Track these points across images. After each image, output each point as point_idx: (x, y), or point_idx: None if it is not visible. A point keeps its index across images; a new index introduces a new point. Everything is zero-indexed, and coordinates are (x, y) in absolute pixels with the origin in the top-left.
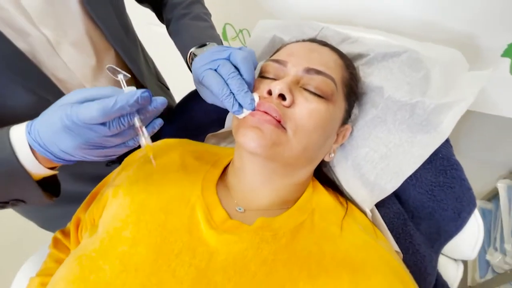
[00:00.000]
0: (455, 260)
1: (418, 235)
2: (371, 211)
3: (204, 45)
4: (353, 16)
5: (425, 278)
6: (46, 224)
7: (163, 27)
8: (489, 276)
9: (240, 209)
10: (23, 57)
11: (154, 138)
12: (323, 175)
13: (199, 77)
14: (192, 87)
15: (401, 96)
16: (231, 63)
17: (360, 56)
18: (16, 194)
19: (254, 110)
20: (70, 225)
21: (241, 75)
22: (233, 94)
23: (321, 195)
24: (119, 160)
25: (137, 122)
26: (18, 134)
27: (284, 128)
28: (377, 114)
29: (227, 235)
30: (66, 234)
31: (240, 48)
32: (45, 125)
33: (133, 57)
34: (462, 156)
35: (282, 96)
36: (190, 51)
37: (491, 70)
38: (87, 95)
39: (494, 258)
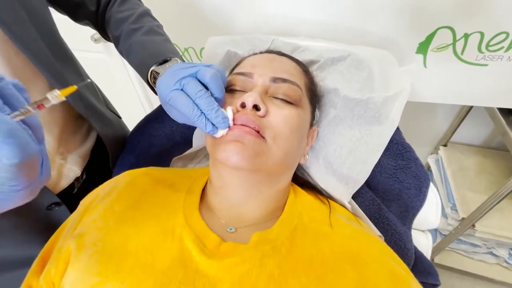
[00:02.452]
0: (423, 231)
1: (392, 216)
2: (350, 203)
3: (166, 61)
4: (293, 28)
5: (406, 253)
6: None
7: (96, 53)
8: (439, 239)
9: (231, 229)
10: None
11: (107, 174)
12: (300, 178)
13: (165, 98)
14: (136, 114)
15: (354, 94)
16: (199, 80)
17: (312, 62)
18: None
19: (228, 128)
20: None
21: (211, 93)
22: (204, 114)
23: (303, 197)
24: (67, 202)
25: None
26: None
27: (263, 138)
28: (337, 113)
29: (227, 260)
30: None
31: (208, 66)
32: None
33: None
34: None
35: (255, 107)
36: (151, 69)
37: (415, 65)
38: None
39: (440, 222)
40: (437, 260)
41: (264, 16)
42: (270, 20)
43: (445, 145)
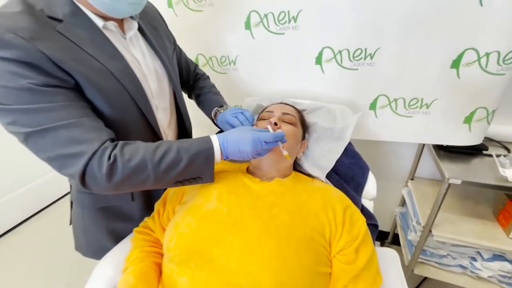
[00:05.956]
0: (370, 200)
1: (350, 190)
2: (326, 181)
3: (221, 106)
4: (290, 94)
5: (358, 206)
6: (102, 249)
7: None
8: (412, 250)
9: (263, 178)
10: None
11: None
12: (297, 170)
13: (227, 119)
14: None
15: (326, 125)
16: (243, 115)
17: (303, 110)
18: (201, 172)
19: None
20: (153, 217)
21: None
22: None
23: (299, 174)
24: None
25: (280, 144)
26: (214, 139)
27: None
28: (318, 135)
29: (263, 184)
30: (145, 227)
31: (247, 110)
32: (236, 138)
33: (186, 111)
34: (384, 179)
35: (275, 124)
36: (215, 109)
37: (359, 114)
38: (255, 129)
39: (412, 236)
40: (416, 271)
41: (275, 89)
42: (278, 91)
43: (412, 179)
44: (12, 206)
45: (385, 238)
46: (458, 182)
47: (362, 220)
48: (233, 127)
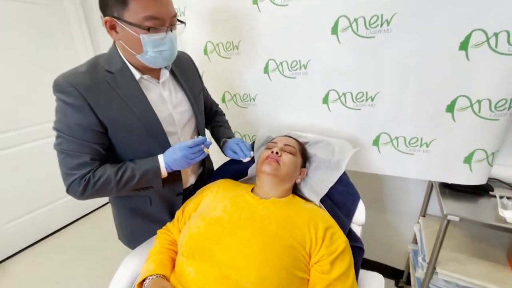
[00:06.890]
0: (359, 225)
1: (341, 214)
2: (319, 206)
3: (230, 137)
4: (299, 127)
5: (348, 232)
6: (132, 239)
7: None
8: None
9: (262, 197)
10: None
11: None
12: (297, 194)
13: (229, 145)
14: None
15: (325, 156)
16: (244, 143)
17: (305, 142)
18: (151, 183)
19: (250, 157)
20: (173, 222)
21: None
22: (244, 153)
23: (296, 197)
24: (184, 195)
25: (204, 147)
26: (160, 158)
27: (279, 164)
28: (316, 165)
29: (261, 201)
30: (166, 229)
31: (243, 141)
32: (172, 152)
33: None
34: (397, 216)
35: (277, 153)
36: (224, 139)
37: (358, 148)
38: (184, 142)
39: (419, 273)
40: None
41: (287, 123)
42: (289, 125)
43: (424, 216)
44: (60, 210)
45: (400, 277)
46: (456, 219)
47: (342, 239)
48: (233, 152)
